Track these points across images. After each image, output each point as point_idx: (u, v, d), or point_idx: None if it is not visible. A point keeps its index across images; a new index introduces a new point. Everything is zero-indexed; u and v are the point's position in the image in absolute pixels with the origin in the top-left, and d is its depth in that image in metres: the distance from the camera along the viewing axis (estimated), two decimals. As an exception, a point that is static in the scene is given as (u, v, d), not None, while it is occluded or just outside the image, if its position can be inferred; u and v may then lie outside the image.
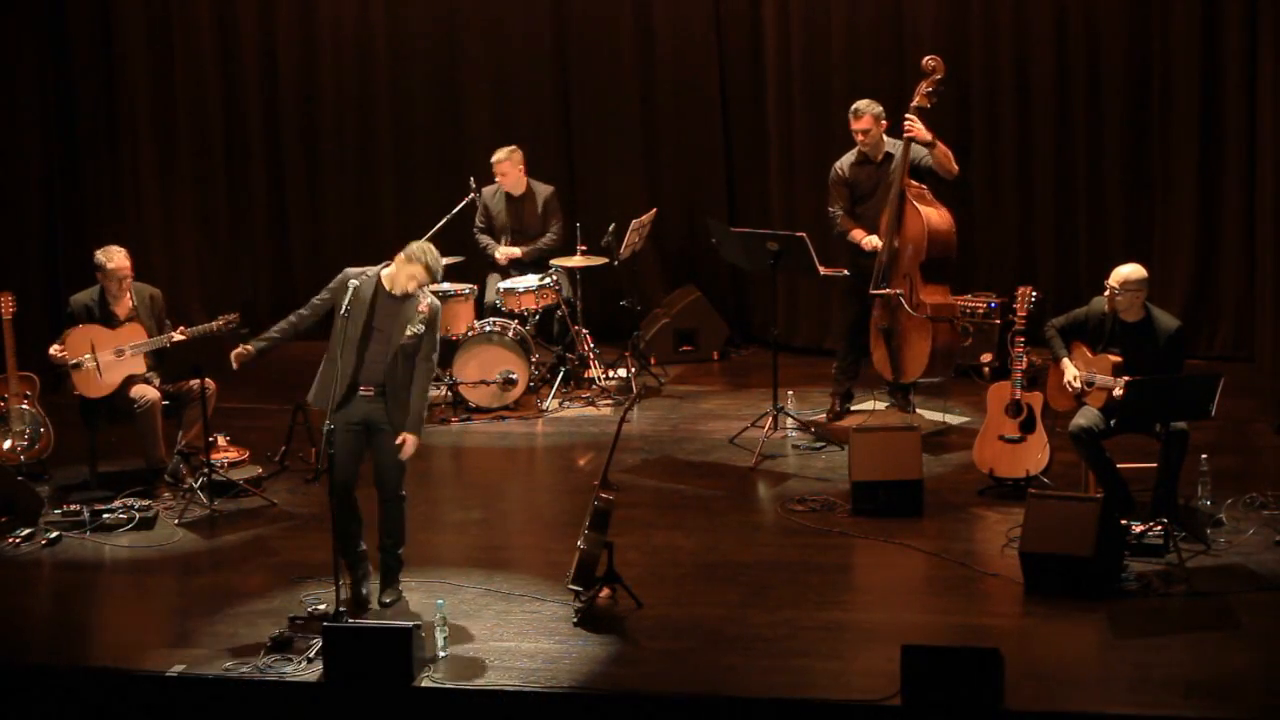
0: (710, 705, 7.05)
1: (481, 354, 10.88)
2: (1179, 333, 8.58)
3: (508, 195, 11.51)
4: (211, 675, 7.32)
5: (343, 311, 7.96)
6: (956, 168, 10.16)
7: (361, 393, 7.95)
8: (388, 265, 8.06)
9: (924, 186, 10.12)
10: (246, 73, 13.07)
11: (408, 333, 7.92)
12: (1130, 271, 8.58)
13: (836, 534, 8.78)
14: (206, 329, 9.48)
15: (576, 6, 12.71)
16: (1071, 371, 8.63)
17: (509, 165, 11.42)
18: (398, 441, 7.95)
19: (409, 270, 7.91)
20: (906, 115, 10.01)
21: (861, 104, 10.28)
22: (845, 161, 10.40)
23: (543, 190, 11.53)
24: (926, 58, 10.13)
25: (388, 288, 7.97)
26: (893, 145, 10.27)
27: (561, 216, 11.54)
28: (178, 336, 9.46)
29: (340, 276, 8.02)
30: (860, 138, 10.26)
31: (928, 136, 10.01)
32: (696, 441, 10.39)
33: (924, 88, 10.04)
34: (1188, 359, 8.98)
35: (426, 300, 7.99)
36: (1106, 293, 8.62)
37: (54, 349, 9.51)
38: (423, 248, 7.97)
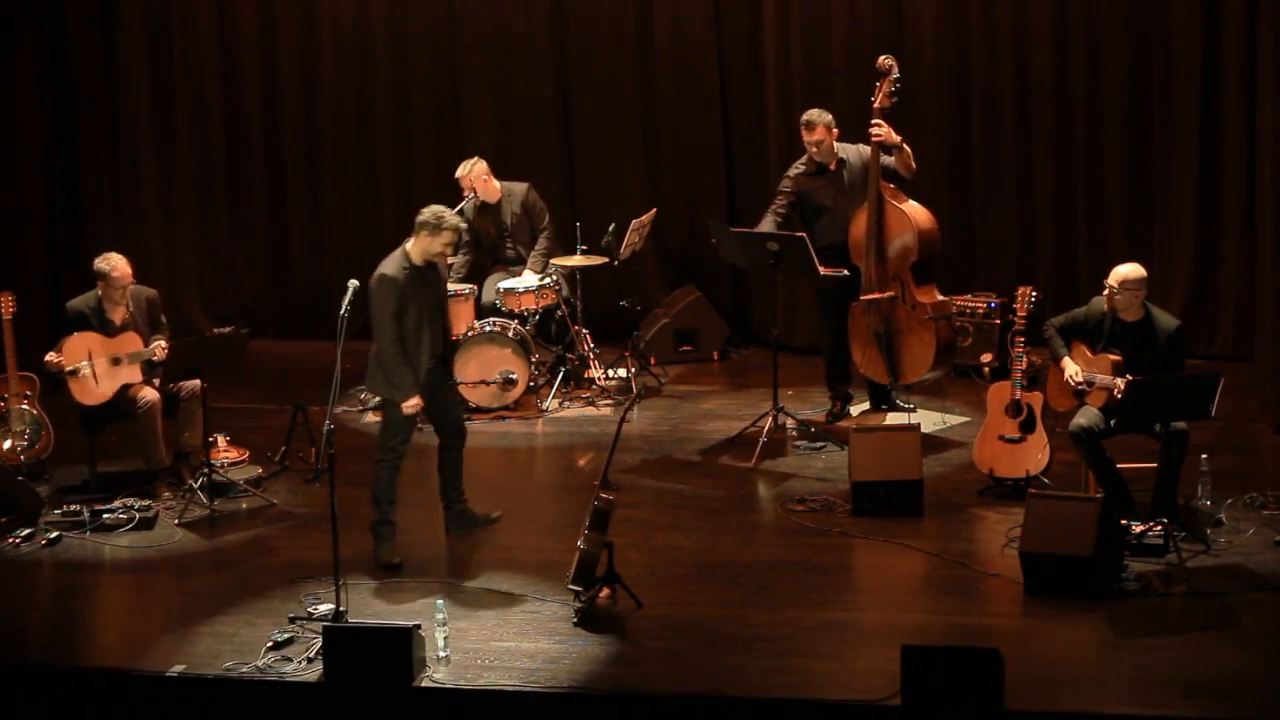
0: (710, 705, 7.05)
1: (481, 354, 10.87)
2: (1179, 332, 8.57)
3: (483, 205, 11.46)
4: (211, 675, 7.32)
5: (343, 311, 8.00)
6: (915, 165, 10.14)
7: (426, 367, 8.48)
8: (409, 242, 8.50)
9: (894, 186, 10.09)
10: (246, 73, 13.07)
11: (450, 290, 8.67)
12: (1129, 271, 8.58)
13: (836, 534, 8.78)
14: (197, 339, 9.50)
15: (576, 6, 12.71)
16: (1072, 368, 8.63)
17: (471, 179, 11.34)
18: None
19: (443, 239, 8.47)
20: (874, 121, 9.96)
21: (813, 114, 10.23)
22: (795, 171, 10.36)
23: (517, 190, 11.47)
24: (881, 57, 10.09)
25: (420, 263, 8.42)
26: (843, 150, 10.25)
27: (546, 207, 11.50)
28: (159, 354, 9.44)
29: (376, 278, 8.46)
30: (814, 149, 10.22)
31: (896, 140, 9.98)
32: (696, 441, 10.39)
33: (884, 88, 10.01)
34: (1188, 359, 8.97)
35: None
36: (1105, 292, 8.61)
37: (50, 356, 9.49)
38: (439, 212, 8.50)
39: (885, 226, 10.03)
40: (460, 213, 11.33)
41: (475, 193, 11.38)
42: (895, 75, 9.98)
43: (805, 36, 12.22)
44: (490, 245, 11.53)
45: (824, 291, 10.32)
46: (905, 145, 10.01)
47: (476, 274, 11.54)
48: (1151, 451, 8.53)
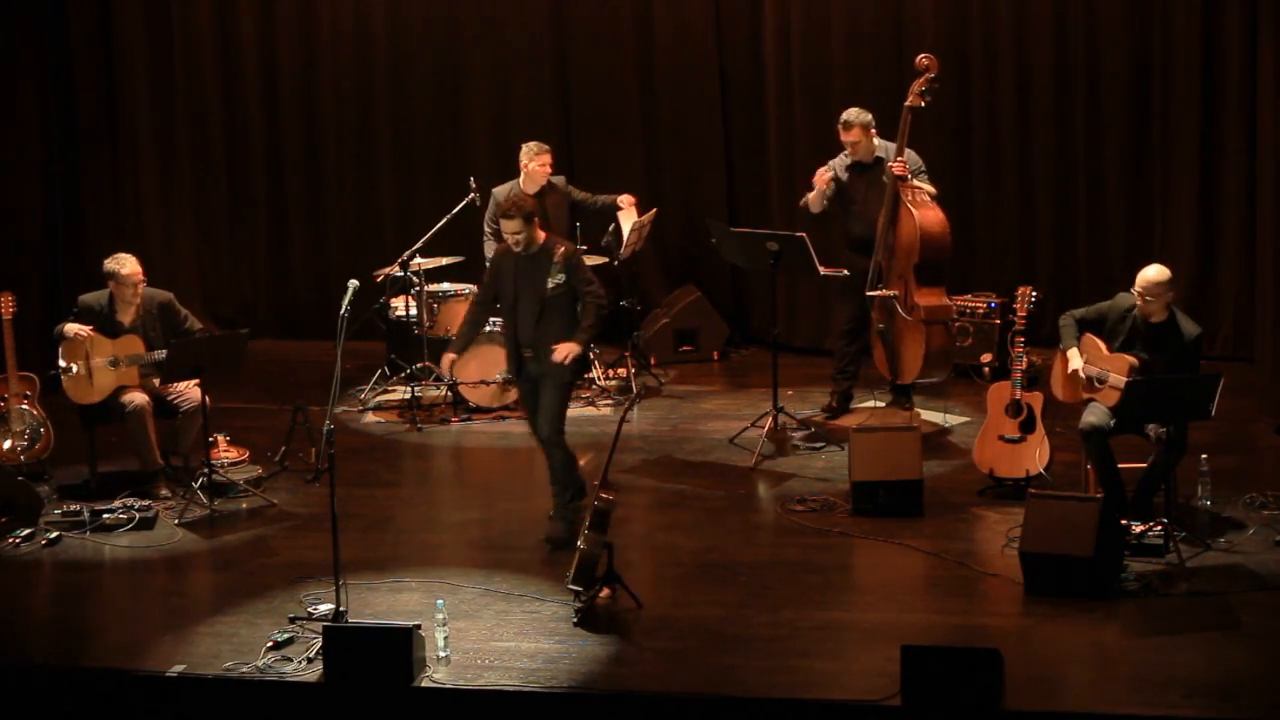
0: (710, 705, 7.05)
1: (481, 354, 10.85)
2: (1198, 340, 8.49)
3: (526, 194, 11.38)
4: (211, 675, 7.32)
5: (343, 311, 8.00)
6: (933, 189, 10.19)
7: (526, 355, 8.68)
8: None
9: (918, 187, 10.10)
10: (246, 73, 13.07)
11: (549, 285, 8.55)
12: (1155, 274, 8.46)
13: (836, 534, 8.78)
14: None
15: (576, 6, 12.71)
16: (1077, 361, 8.56)
17: (550, 158, 11.31)
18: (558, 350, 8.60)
19: (509, 228, 8.49)
20: (900, 158, 9.97)
21: (851, 115, 10.25)
22: (839, 164, 10.38)
23: (558, 179, 11.43)
24: (920, 56, 10.13)
25: (517, 250, 8.62)
26: (882, 148, 10.27)
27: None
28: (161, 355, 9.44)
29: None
30: (851, 149, 10.25)
31: (908, 177, 10.03)
32: (696, 441, 10.39)
33: (918, 86, 10.03)
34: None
35: (560, 249, 8.62)
36: (1137, 291, 8.45)
37: (68, 328, 9.48)
38: (504, 200, 8.69)
39: (897, 224, 10.05)
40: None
41: (536, 172, 11.22)
42: (932, 75, 10.00)
43: (805, 36, 12.22)
44: None
45: (844, 286, 10.32)
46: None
47: None
48: (1151, 452, 8.53)
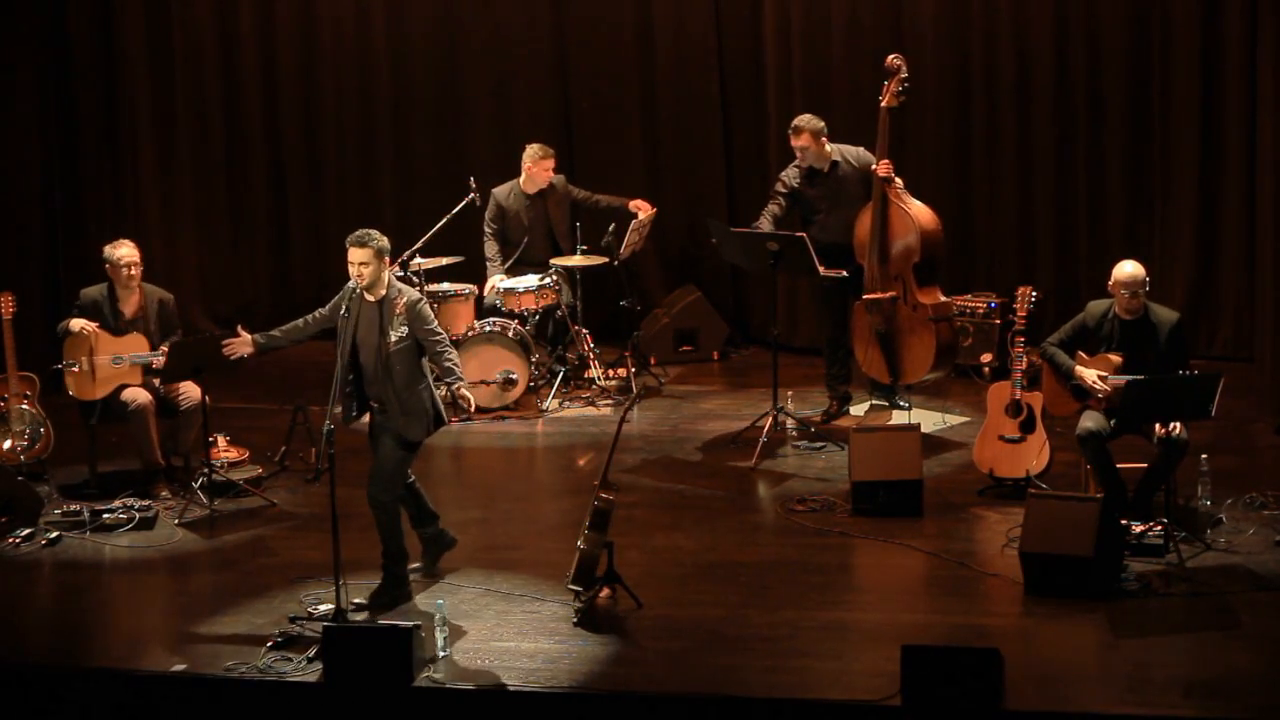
0: (710, 705, 7.05)
1: (481, 354, 10.87)
2: (1179, 325, 8.54)
3: (526, 194, 11.40)
4: (211, 675, 7.32)
5: (343, 311, 7.99)
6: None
7: (373, 405, 8.05)
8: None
9: (899, 185, 10.07)
10: (246, 73, 13.07)
11: (391, 339, 7.89)
12: (1134, 269, 8.50)
13: (836, 534, 8.78)
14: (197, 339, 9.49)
15: (576, 7, 12.71)
16: (1092, 375, 8.54)
17: (554, 162, 11.31)
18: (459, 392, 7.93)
19: (356, 257, 7.88)
20: (883, 160, 9.96)
21: (800, 121, 10.24)
22: (790, 175, 10.35)
23: (558, 179, 11.44)
24: (891, 56, 10.10)
25: (359, 291, 7.98)
26: (838, 153, 10.25)
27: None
28: (158, 364, 9.42)
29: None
30: (799, 155, 10.23)
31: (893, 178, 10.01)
32: (696, 441, 10.39)
33: (894, 86, 10.01)
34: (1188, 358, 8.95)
35: (403, 299, 7.92)
36: (1123, 292, 8.50)
37: (72, 324, 9.50)
38: (359, 233, 7.95)
39: (889, 226, 10.03)
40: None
41: (538, 176, 11.24)
42: (904, 75, 9.98)
43: (805, 36, 12.22)
44: (524, 234, 11.42)
45: (825, 290, 10.32)
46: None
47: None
48: (1152, 452, 8.52)
